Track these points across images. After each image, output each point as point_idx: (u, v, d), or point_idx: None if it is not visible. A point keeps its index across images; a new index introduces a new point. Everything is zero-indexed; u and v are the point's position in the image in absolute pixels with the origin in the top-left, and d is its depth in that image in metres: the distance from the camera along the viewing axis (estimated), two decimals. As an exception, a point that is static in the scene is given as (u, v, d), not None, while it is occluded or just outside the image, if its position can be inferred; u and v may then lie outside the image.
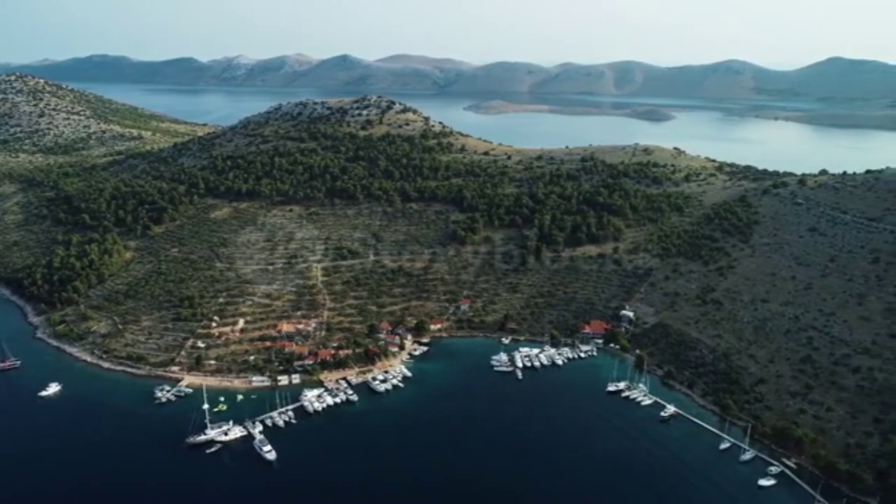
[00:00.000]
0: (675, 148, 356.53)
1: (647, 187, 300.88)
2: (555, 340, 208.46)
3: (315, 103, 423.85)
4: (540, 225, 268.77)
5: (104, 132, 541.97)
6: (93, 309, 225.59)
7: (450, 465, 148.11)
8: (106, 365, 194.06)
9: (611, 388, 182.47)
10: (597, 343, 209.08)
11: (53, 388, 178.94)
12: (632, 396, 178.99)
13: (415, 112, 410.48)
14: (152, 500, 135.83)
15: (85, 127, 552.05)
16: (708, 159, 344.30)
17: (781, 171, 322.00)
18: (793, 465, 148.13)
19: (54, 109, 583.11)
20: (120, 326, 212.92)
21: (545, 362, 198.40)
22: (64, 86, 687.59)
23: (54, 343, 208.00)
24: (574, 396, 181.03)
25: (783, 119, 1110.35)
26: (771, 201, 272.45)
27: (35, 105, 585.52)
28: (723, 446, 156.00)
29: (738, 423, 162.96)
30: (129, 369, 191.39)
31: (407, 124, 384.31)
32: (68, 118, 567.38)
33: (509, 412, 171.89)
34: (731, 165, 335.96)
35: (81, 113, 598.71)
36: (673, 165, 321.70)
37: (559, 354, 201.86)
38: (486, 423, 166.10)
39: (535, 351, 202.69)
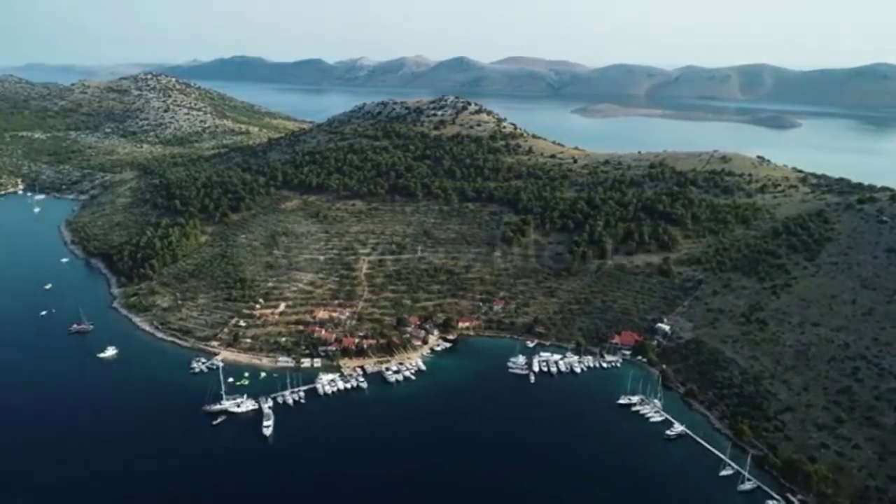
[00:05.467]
0: (757, 157, 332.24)
1: (716, 197, 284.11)
2: (579, 348, 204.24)
3: (395, 103, 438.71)
4: (591, 230, 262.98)
5: (217, 127, 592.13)
6: (162, 285, 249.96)
7: (432, 455, 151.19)
8: (160, 335, 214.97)
9: (622, 400, 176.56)
10: (624, 354, 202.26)
11: (110, 352, 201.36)
12: (642, 411, 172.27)
13: (489, 113, 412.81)
14: (153, 453, 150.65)
15: (201, 122, 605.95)
16: (794, 170, 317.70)
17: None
18: (796, 502, 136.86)
19: (178, 105, 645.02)
20: (179, 302, 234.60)
21: (563, 369, 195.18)
22: (192, 84, 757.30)
23: (124, 312, 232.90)
24: (581, 405, 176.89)
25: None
26: (852, 218, 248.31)
27: (163, 101, 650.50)
28: (724, 472, 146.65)
29: (750, 450, 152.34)
30: (177, 340, 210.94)
31: (479, 125, 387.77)
32: (189, 113, 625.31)
33: (508, 413, 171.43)
34: (819, 177, 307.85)
35: (202, 109, 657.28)
36: (750, 175, 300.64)
37: (580, 362, 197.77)
38: (481, 420, 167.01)
39: (556, 357, 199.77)
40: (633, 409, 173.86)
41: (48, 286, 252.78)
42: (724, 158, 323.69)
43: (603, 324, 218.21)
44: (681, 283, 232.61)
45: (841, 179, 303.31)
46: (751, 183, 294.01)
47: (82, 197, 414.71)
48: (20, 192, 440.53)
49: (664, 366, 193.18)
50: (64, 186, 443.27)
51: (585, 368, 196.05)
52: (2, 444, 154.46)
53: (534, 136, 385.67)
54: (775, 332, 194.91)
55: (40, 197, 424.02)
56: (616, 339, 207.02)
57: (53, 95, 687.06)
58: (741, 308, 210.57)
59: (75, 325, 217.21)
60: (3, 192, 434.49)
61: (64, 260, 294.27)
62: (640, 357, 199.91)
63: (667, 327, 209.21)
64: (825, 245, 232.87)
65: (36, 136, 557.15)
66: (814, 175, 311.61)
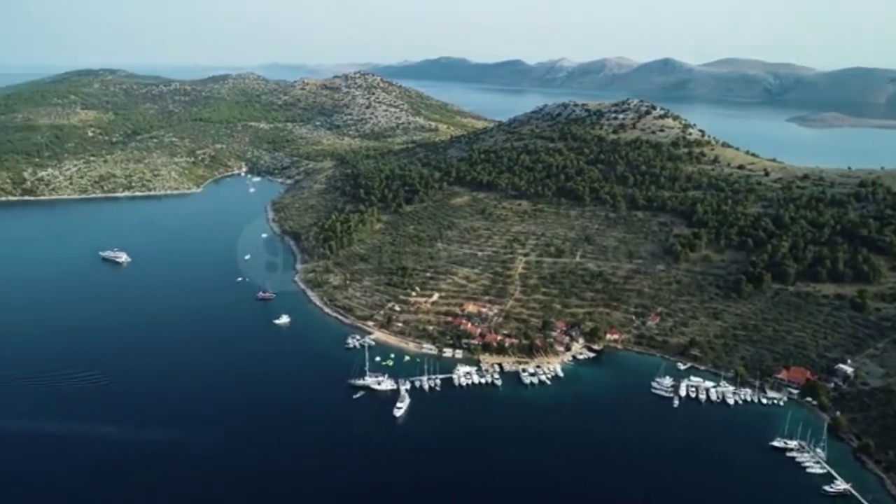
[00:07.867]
0: None
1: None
2: (737, 378, 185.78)
3: (575, 105, 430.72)
4: (773, 251, 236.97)
5: (409, 124, 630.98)
6: (336, 265, 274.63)
7: (555, 464, 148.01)
8: (327, 310, 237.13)
9: (776, 443, 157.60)
10: (790, 392, 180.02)
11: (284, 319, 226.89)
12: (799, 459, 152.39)
13: (675, 118, 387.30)
14: (298, 410, 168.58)
15: (397, 118, 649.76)
16: None
17: None
18: None
19: (379, 102, 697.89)
20: (347, 282, 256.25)
21: (714, 398, 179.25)
22: (393, 83, 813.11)
23: (302, 286, 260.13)
24: (726, 441, 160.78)
25: None
26: None
27: (367, 98, 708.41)
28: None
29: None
30: (339, 317, 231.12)
31: (661, 130, 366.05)
32: (387, 110, 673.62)
33: (645, 435, 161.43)
34: None
35: (399, 107, 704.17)
36: None
37: (734, 393, 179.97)
38: (612, 436, 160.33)
39: (708, 384, 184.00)
40: (789, 454, 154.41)
41: (247, 257, 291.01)
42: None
43: (770, 355, 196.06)
44: (877, 321, 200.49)
45: None
46: None
47: (288, 181, 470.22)
48: (242, 174, 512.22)
49: (838, 412, 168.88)
50: (276, 171, 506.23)
51: (740, 401, 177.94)
52: (187, 377, 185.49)
53: (723, 145, 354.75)
54: None
55: (256, 179, 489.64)
56: (783, 375, 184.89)
57: (279, 91, 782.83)
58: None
59: (261, 293, 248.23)
60: (229, 174, 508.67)
61: (264, 235, 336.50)
62: (809, 398, 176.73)
63: (849, 369, 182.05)
64: None
65: (261, 126, 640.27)
66: None
